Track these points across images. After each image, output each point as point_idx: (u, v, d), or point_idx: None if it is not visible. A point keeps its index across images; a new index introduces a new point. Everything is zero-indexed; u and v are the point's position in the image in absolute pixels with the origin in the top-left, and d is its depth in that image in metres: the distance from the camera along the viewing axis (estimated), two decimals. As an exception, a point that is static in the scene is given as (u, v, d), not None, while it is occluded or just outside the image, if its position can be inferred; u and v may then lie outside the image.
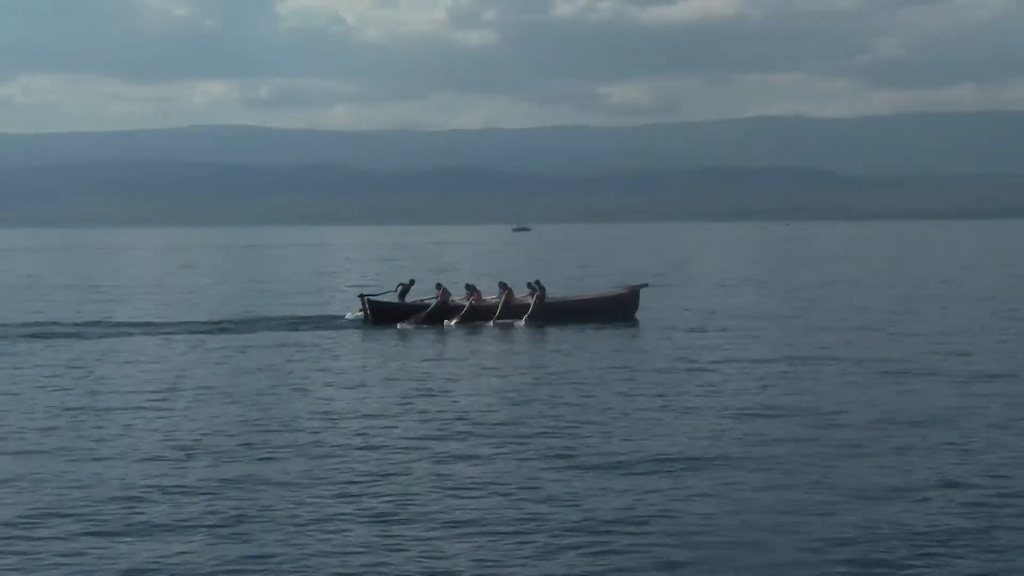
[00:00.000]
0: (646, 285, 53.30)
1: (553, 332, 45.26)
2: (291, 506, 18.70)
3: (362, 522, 17.82)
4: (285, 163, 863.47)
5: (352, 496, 19.25)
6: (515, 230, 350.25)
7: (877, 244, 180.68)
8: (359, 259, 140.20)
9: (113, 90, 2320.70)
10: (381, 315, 49.20)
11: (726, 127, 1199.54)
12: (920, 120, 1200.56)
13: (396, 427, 25.30)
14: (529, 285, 49.76)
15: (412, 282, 52.02)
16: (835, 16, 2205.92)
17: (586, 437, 23.83)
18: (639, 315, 50.25)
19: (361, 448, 23.11)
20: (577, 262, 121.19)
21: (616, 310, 49.97)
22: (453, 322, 48.02)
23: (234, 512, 18.19)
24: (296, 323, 49.14)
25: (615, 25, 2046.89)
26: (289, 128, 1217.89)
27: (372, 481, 20.27)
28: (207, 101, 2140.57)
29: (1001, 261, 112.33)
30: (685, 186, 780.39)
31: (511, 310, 48.42)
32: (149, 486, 19.86)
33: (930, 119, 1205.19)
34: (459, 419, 26.04)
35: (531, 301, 48.49)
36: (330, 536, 17.07)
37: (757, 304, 58.89)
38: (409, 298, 50.63)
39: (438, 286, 50.25)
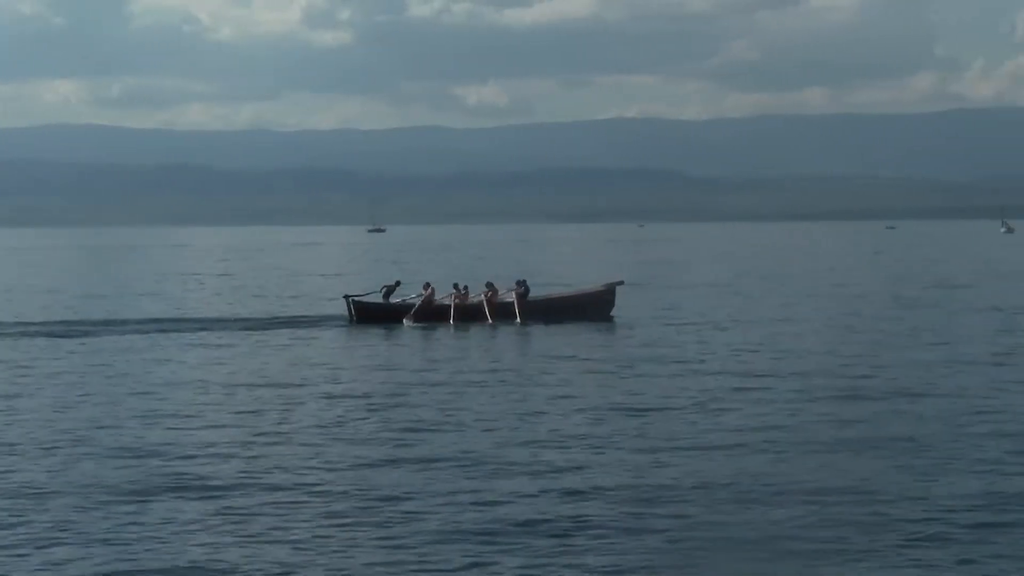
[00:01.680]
0: (622, 282, 54.94)
1: (527, 330, 47.71)
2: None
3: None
4: (141, 163, 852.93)
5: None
6: (370, 231, 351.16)
7: (733, 245, 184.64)
8: (217, 260, 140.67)
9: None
10: (365, 315, 50.27)
11: (582, 129, 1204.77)
12: (772, 122, 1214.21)
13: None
14: (518, 283, 51.93)
15: (398, 283, 53.03)
16: (689, 19, 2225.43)
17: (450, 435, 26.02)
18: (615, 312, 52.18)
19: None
20: (432, 263, 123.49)
21: (595, 306, 51.65)
22: (409, 320, 49.28)
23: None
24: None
25: (471, 26, 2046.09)
26: (144, 128, 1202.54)
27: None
28: (58, 100, 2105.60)
29: (832, 261, 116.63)
30: (541, 188, 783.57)
31: (496, 309, 49.90)
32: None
33: (781, 121, 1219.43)
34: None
35: (512, 299, 50.38)
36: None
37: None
38: (393, 298, 51.67)
39: (426, 285, 51.56)
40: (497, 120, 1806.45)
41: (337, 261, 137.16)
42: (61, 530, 18.27)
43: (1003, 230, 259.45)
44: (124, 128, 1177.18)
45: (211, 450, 23.88)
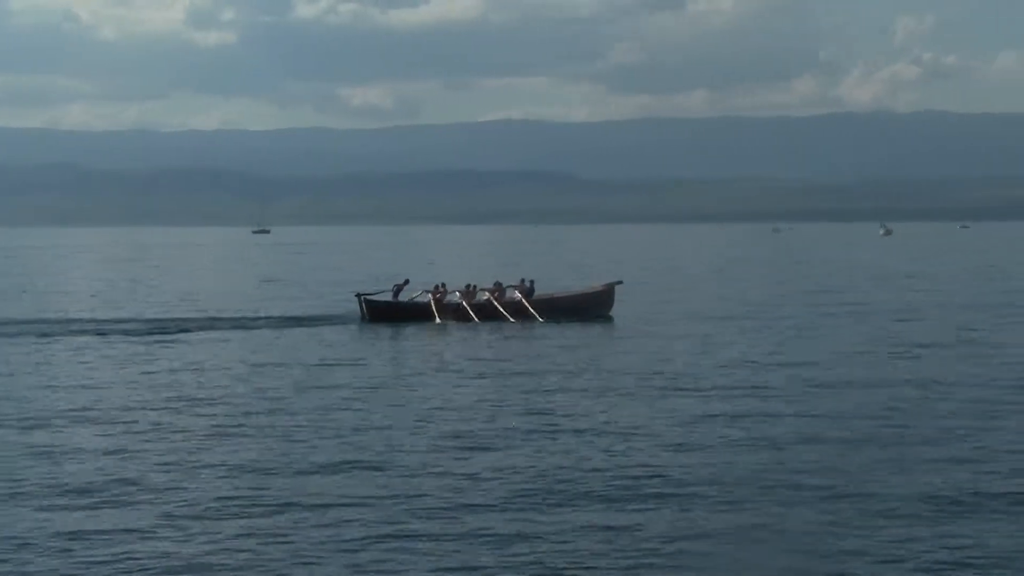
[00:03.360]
0: (621, 282, 56.54)
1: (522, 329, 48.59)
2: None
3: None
4: (22, 163, 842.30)
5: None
6: (255, 232, 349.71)
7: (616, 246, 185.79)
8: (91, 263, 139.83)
9: None
10: (377, 314, 51.07)
11: (467, 130, 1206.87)
12: (656, 125, 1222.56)
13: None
14: (522, 281, 53.73)
15: (407, 282, 53.67)
16: (575, 22, 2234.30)
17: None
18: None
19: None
20: (317, 265, 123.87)
21: (596, 305, 53.26)
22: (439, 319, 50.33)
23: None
24: None
25: (356, 27, 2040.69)
26: (24, 127, 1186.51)
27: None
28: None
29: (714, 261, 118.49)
30: (427, 189, 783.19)
31: (505, 307, 51.18)
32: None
33: (666, 124, 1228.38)
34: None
35: (519, 298, 51.74)
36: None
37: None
38: (401, 297, 52.52)
39: (442, 285, 52.91)
40: (382, 121, 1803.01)
41: (224, 262, 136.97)
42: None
43: (882, 232, 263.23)
44: (5, 128, 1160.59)
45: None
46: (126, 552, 17.17)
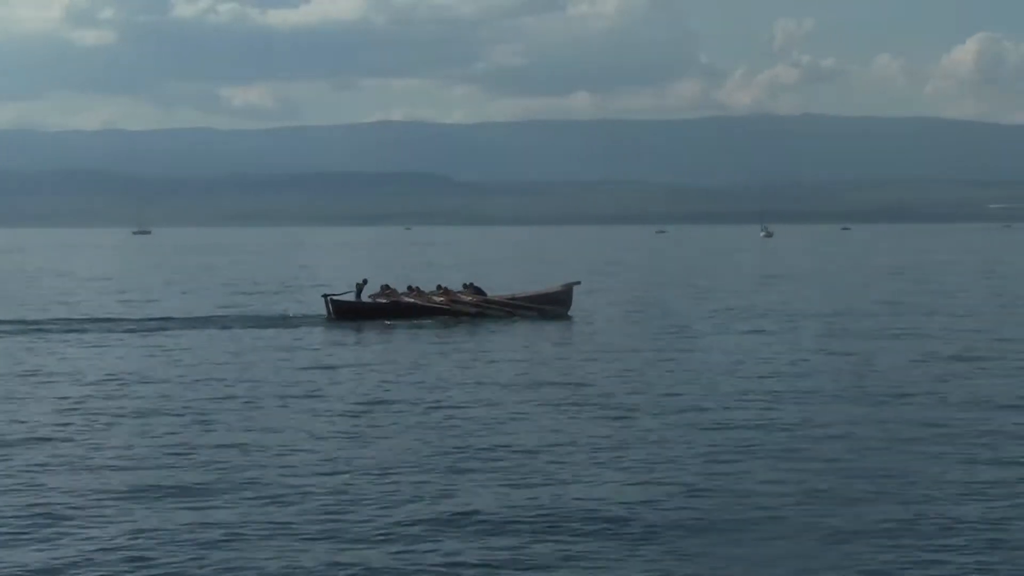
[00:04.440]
0: (579, 283, 58.24)
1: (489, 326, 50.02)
2: None
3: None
4: None
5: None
6: (135, 233, 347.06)
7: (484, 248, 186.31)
8: None
9: None
10: (343, 313, 52.54)
11: (348, 132, 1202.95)
12: (538, 127, 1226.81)
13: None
14: (464, 286, 55.27)
15: (365, 281, 54.49)
16: (456, 23, 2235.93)
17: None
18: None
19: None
20: (200, 266, 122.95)
21: (554, 305, 54.48)
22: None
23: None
24: None
25: (237, 27, 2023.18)
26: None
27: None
28: None
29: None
30: (307, 190, 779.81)
31: (469, 305, 53.13)
32: None
33: (547, 126, 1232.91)
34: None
35: (469, 298, 53.54)
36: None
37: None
38: (363, 297, 53.60)
39: (384, 286, 54.37)
40: (264, 122, 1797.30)
41: (104, 264, 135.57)
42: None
43: (763, 234, 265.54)
44: None
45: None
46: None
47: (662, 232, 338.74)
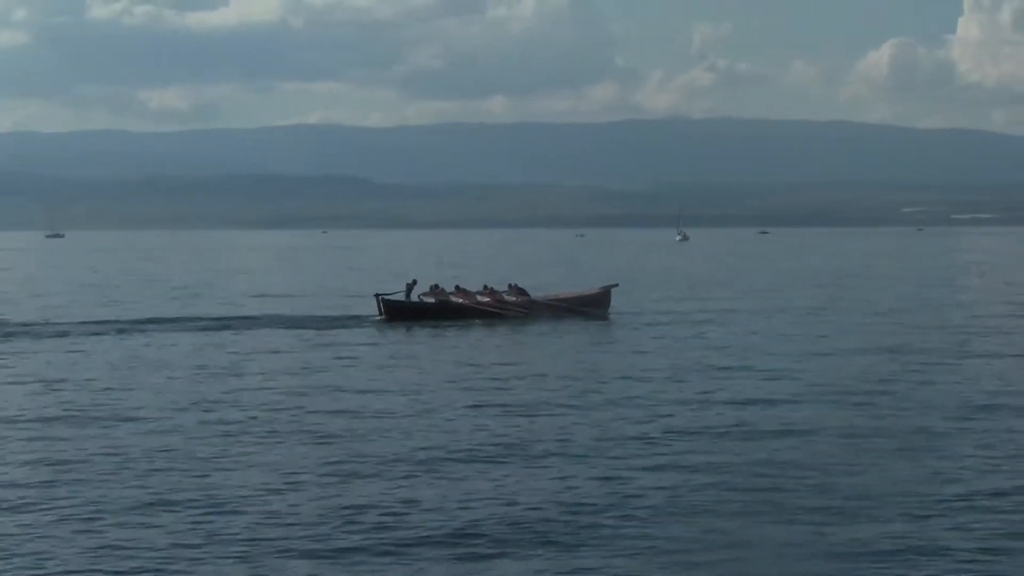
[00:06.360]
0: (616, 285, 60.45)
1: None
2: None
3: None
4: None
5: None
6: (48, 236, 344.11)
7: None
8: None
9: None
10: (394, 314, 53.63)
11: (266, 134, 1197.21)
12: (456, 130, 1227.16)
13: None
14: (509, 286, 56.66)
15: (415, 282, 55.63)
16: (374, 26, 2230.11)
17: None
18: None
19: None
20: (112, 269, 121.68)
21: (593, 306, 56.48)
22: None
23: None
24: None
25: (153, 29, 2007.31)
26: None
27: None
28: None
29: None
30: (225, 193, 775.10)
31: (510, 306, 54.43)
32: None
33: (465, 129, 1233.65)
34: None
35: (514, 299, 54.96)
36: None
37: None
38: (412, 297, 54.73)
39: (435, 286, 55.63)
40: (180, 125, 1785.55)
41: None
42: None
43: (679, 238, 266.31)
44: None
45: None
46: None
47: (581, 236, 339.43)
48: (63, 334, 48.54)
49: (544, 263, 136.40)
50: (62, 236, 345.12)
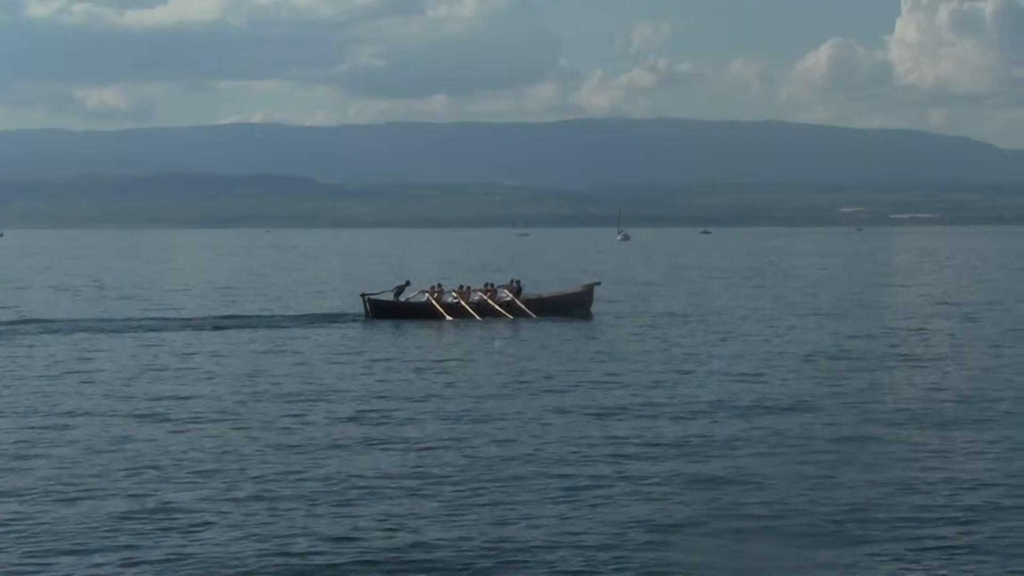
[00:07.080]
0: (599, 283, 62.51)
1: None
2: None
3: None
4: None
5: None
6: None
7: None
8: None
9: None
10: (380, 312, 54.65)
11: (205, 134, 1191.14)
12: (398, 130, 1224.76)
13: None
14: (511, 281, 58.83)
15: (408, 283, 57.15)
16: (315, 25, 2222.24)
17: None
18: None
19: None
20: (45, 268, 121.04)
21: (577, 304, 57.92)
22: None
23: None
24: None
25: (91, 28, 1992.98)
26: None
27: None
28: None
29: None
30: (164, 192, 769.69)
31: (498, 306, 55.02)
32: None
33: (407, 129, 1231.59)
34: None
35: (509, 298, 55.67)
36: None
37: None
38: (401, 297, 55.91)
39: (438, 285, 56.89)
40: (118, 124, 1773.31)
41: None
42: None
43: (619, 237, 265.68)
44: None
45: None
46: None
47: (525, 235, 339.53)
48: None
49: (488, 264, 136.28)
50: (1, 235, 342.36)
